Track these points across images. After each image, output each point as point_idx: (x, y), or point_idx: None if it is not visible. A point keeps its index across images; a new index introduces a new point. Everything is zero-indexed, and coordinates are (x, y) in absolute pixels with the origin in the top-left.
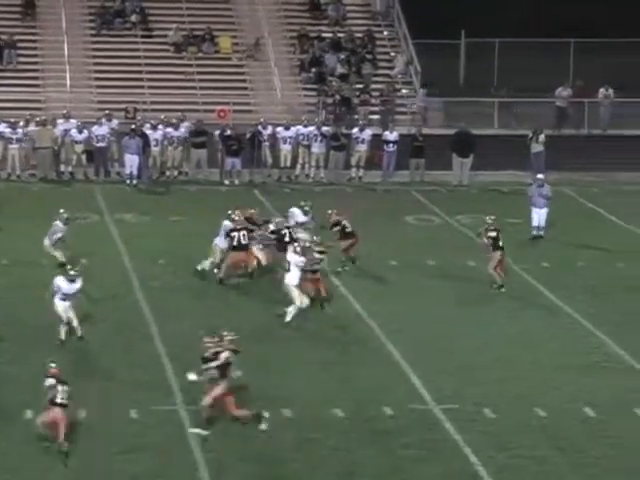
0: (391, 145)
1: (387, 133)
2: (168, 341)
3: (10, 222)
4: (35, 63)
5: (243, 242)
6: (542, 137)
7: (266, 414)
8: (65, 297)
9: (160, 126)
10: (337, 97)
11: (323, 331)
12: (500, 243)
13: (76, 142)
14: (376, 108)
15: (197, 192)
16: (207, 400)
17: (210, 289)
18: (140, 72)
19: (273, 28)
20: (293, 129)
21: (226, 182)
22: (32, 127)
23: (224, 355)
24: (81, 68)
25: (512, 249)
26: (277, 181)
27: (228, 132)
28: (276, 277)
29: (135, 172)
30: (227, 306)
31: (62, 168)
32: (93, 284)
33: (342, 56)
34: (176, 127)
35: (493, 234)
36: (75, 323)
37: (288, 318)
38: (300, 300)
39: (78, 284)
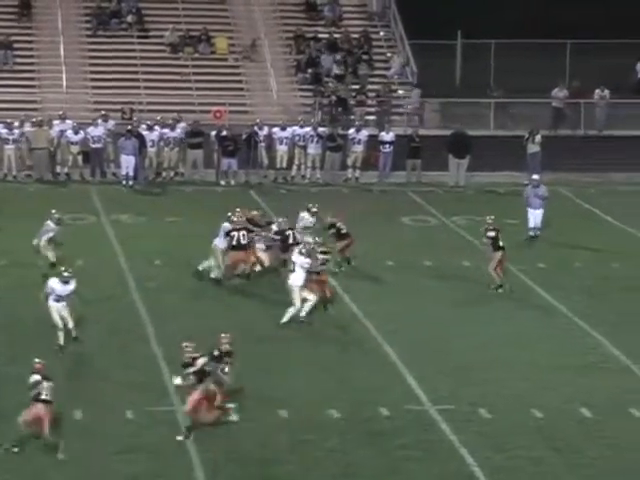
0: (387, 146)
1: (383, 134)
2: (164, 342)
3: (7, 223)
4: (31, 64)
5: (243, 242)
6: (538, 138)
7: (232, 405)
8: (59, 299)
9: (156, 127)
10: (333, 98)
11: (319, 332)
12: (500, 243)
13: (72, 143)
14: (372, 109)
15: (193, 193)
16: (187, 407)
17: (207, 290)
18: (136, 73)
19: (269, 29)
20: (289, 130)
21: (222, 183)
22: (27, 127)
23: (200, 361)
24: (77, 69)
25: (508, 250)
26: (273, 182)
27: (224, 133)
28: (279, 278)
29: (131, 173)
30: (224, 307)
31: (58, 169)
32: (89, 285)
33: (338, 57)
34: (172, 128)
35: (492, 234)
36: (70, 325)
37: (284, 319)
38: (300, 302)
39: (72, 285)
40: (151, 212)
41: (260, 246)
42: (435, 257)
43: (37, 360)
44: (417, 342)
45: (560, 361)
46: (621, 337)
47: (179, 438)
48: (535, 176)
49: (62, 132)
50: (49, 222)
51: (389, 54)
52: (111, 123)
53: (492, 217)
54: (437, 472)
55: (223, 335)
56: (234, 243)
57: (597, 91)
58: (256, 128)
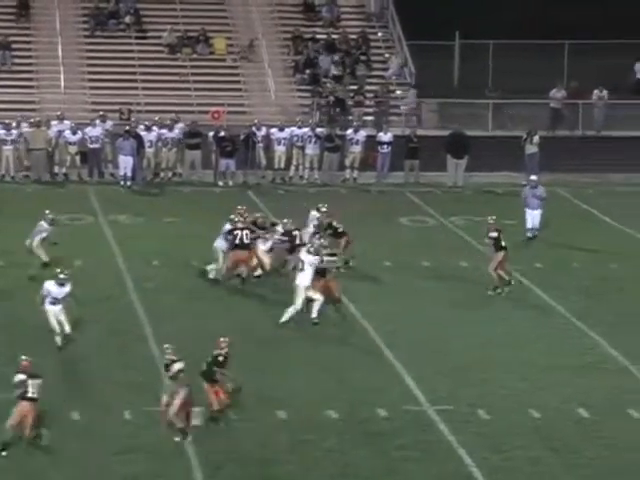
0: (385, 146)
1: (381, 134)
2: (162, 342)
3: (5, 223)
4: (29, 64)
5: (245, 241)
6: (536, 138)
7: (198, 408)
8: (55, 301)
9: (154, 127)
10: (331, 98)
11: (318, 333)
12: (502, 243)
13: (70, 143)
14: (370, 109)
15: (191, 193)
16: (171, 411)
17: (205, 290)
18: (134, 73)
19: (267, 29)
20: (287, 130)
21: (220, 183)
22: (25, 128)
23: (176, 366)
24: (75, 69)
25: None
26: (271, 182)
27: (222, 133)
28: (280, 278)
29: (129, 173)
30: (223, 307)
31: (56, 169)
32: (87, 285)
33: (336, 57)
34: (170, 128)
35: (495, 235)
36: (67, 330)
37: (283, 319)
38: (304, 302)
39: (67, 288)
40: (149, 212)
41: (263, 247)
42: (433, 257)
43: (24, 357)
44: (415, 342)
45: (558, 361)
46: (619, 337)
47: (177, 439)
48: (533, 177)
49: (60, 132)
50: (42, 222)
51: (387, 55)
52: (109, 123)
53: (493, 217)
54: (435, 472)
55: (222, 339)
56: (237, 242)
57: (595, 92)
58: (254, 129)
